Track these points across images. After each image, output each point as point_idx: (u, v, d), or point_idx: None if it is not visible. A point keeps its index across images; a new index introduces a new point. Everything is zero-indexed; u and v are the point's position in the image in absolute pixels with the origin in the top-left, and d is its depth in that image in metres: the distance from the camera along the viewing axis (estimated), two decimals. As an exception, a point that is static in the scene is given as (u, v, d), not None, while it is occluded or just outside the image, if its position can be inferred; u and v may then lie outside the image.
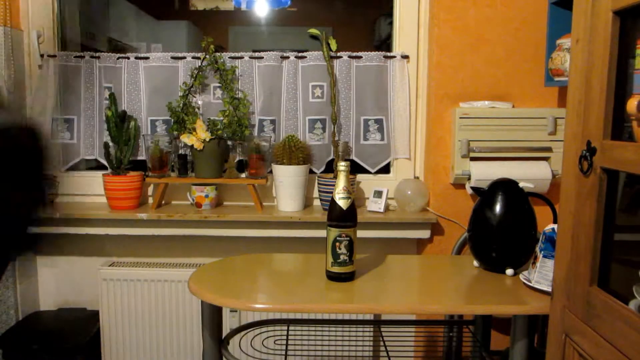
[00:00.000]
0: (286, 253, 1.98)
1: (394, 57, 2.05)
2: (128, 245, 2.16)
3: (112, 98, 2.01)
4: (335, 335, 1.91)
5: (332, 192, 1.37)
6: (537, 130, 1.88)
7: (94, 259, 2.17)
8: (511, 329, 1.38)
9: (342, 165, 1.34)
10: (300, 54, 2.05)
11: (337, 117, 2.04)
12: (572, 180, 1.01)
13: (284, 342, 1.59)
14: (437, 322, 1.86)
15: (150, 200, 2.14)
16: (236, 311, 2.00)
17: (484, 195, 1.48)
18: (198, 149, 1.94)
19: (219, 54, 2.03)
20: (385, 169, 2.14)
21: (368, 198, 2.05)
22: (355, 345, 1.97)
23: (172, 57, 2.07)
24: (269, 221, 1.98)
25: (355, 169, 2.10)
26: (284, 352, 1.53)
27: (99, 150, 2.09)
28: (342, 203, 1.33)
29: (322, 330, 1.86)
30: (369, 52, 2.05)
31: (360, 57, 2.05)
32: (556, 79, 1.74)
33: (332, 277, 1.37)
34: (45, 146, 0.89)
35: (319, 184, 2.02)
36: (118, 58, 2.08)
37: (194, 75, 2.03)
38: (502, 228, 1.43)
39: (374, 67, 2.05)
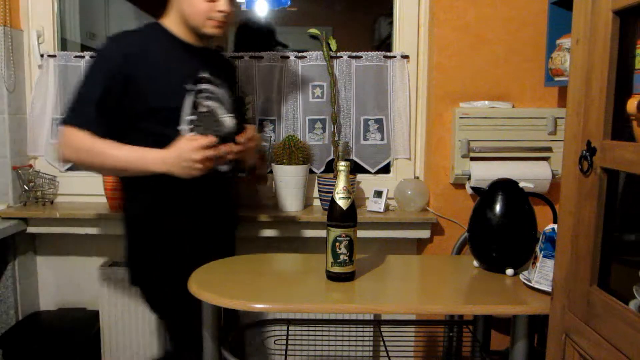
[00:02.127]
0: (286, 253, 1.98)
1: (394, 57, 2.05)
2: (128, 245, 2.15)
3: (112, 98, 2.01)
4: (335, 335, 1.91)
5: (332, 192, 1.37)
6: (537, 130, 1.88)
7: (94, 259, 2.17)
8: (511, 329, 1.38)
9: (342, 165, 1.34)
10: (300, 54, 2.05)
11: (337, 117, 2.04)
12: (572, 180, 1.01)
13: (284, 342, 1.59)
14: (437, 322, 1.86)
15: (150, 200, 2.14)
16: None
17: (484, 195, 1.48)
18: (198, 149, 1.93)
19: (219, 54, 2.03)
20: (385, 169, 2.14)
21: (368, 198, 2.05)
22: (355, 345, 1.97)
23: (172, 57, 2.07)
24: (269, 221, 1.98)
25: (355, 169, 2.10)
26: (284, 352, 1.53)
27: (99, 150, 2.09)
28: (342, 203, 1.33)
29: (322, 330, 1.85)
30: (369, 52, 2.05)
31: (360, 57, 2.05)
32: (556, 79, 1.74)
33: (332, 277, 1.37)
34: None
35: (319, 184, 2.02)
36: (118, 58, 2.07)
37: (194, 75, 2.03)
38: (502, 228, 1.42)
39: (374, 67, 2.05)
